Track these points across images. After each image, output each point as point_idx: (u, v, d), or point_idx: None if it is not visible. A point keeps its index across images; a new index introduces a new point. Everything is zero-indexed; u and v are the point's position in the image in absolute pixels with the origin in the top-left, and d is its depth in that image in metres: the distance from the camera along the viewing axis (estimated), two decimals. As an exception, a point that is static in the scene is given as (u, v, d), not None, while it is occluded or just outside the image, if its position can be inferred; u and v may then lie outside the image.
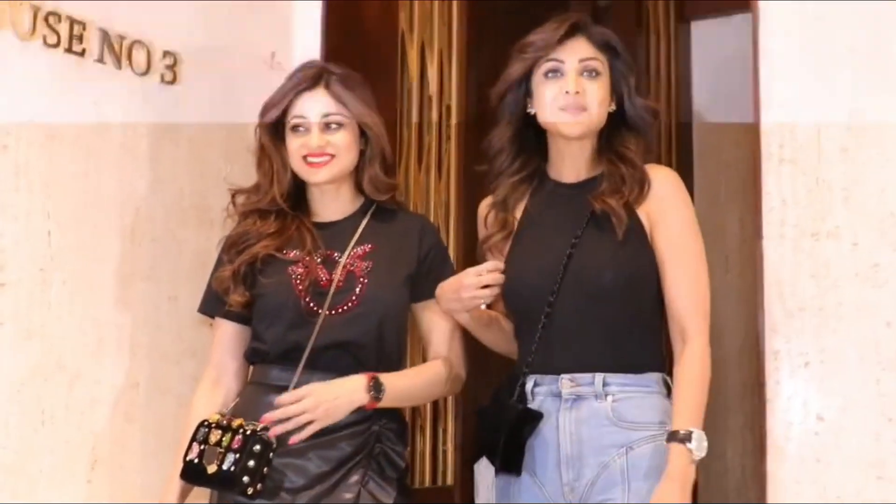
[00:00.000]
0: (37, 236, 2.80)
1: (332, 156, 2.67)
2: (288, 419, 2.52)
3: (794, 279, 2.75)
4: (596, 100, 2.53)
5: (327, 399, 2.53)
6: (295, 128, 2.69)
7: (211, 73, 3.27)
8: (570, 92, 2.50)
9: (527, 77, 2.58)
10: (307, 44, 3.46)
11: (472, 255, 2.93)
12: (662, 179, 2.56)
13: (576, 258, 2.50)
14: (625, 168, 2.55)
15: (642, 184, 2.53)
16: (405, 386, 2.67)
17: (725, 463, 2.58)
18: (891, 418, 2.61)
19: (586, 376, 2.47)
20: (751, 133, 2.88)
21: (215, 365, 2.74)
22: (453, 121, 3.60)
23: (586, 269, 2.49)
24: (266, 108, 2.75)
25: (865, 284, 2.68)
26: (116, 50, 2.99)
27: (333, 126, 2.68)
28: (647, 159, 2.60)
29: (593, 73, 2.53)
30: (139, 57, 3.05)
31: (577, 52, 2.53)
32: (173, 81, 3.15)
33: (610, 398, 2.45)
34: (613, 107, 2.58)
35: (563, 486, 2.47)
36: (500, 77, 2.62)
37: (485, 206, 2.72)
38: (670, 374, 2.52)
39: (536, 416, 2.48)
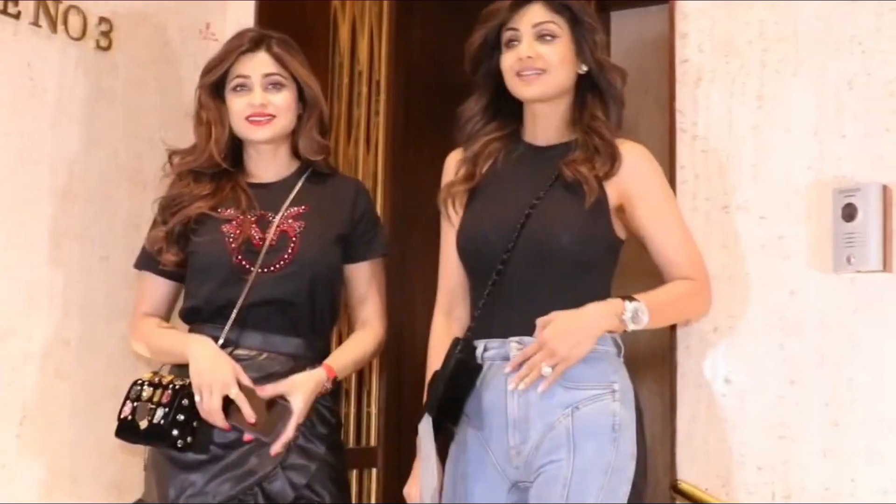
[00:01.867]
0: None
1: (273, 116, 2.68)
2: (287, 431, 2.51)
3: (706, 249, 2.73)
4: (552, 62, 2.50)
5: (301, 397, 2.52)
6: (236, 88, 2.70)
7: (146, 41, 3.25)
8: (522, 57, 2.50)
9: (496, 48, 2.58)
10: (240, 17, 3.44)
11: (399, 225, 2.96)
12: (635, 157, 2.55)
13: (534, 218, 2.47)
14: (598, 140, 2.53)
15: (613, 159, 2.52)
16: (347, 365, 2.68)
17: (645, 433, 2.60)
18: (793, 381, 2.65)
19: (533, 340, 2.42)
20: (666, 112, 2.89)
21: (139, 313, 2.74)
22: (382, 96, 3.61)
23: (544, 230, 2.46)
24: (207, 69, 2.75)
25: (772, 255, 2.71)
26: (52, 14, 2.96)
27: (275, 86, 2.69)
28: (614, 128, 2.59)
29: (548, 38, 2.51)
30: (75, 22, 3.03)
31: (531, 18, 2.52)
32: (108, 48, 3.13)
33: None
34: (584, 68, 2.55)
35: (509, 449, 2.44)
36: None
37: (453, 156, 2.69)
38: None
39: (473, 371, 2.45)
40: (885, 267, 2.58)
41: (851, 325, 2.62)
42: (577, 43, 2.54)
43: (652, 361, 3.04)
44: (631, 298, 2.40)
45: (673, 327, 2.77)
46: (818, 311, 2.65)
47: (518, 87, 2.54)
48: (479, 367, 2.47)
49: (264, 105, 2.67)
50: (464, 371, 2.46)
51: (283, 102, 2.69)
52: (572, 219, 2.47)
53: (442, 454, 2.57)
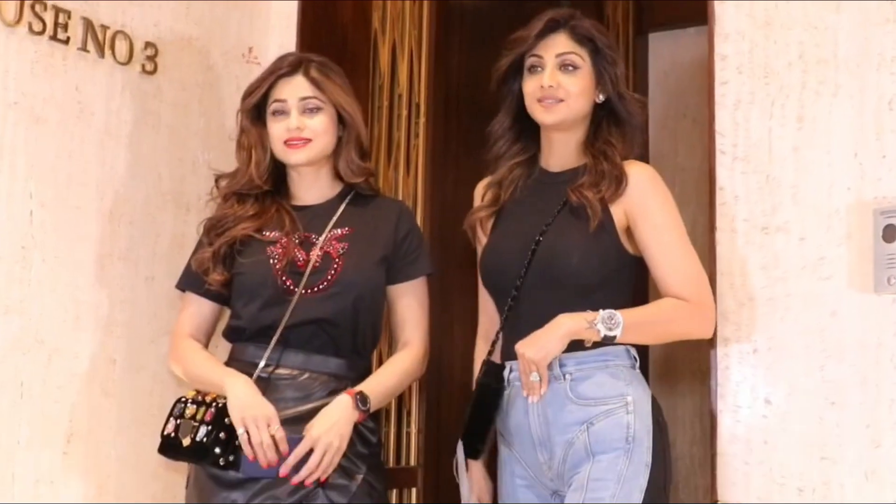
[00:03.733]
0: (19, 216, 2.78)
1: (309, 139, 2.68)
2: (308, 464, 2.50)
3: (745, 271, 2.77)
4: (573, 92, 2.57)
5: (331, 434, 2.50)
6: (275, 112, 2.70)
7: (190, 65, 3.26)
8: (544, 86, 2.55)
9: (520, 71, 2.63)
10: (283, 41, 3.45)
11: (438, 246, 2.95)
12: (639, 176, 2.57)
13: (544, 243, 2.53)
14: (605, 164, 2.57)
15: (619, 181, 2.55)
16: (385, 389, 2.66)
17: (675, 451, 2.59)
18: (833, 402, 2.64)
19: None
20: (705, 134, 2.89)
21: (179, 333, 2.74)
22: (422, 118, 3.62)
23: (552, 254, 2.53)
24: (247, 93, 2.77)
25: (812, 276, 2.70)
26: (100, 39, 2.97)
27: (312, 110, 2.69)
28: (633, 154, 2.62)
29: (570, 68, 2.57)
30: (121, 47, 3.04)
31: (555, 48, 2.57)
32: (153, 72, 3.13)
33: (568, 378, 2.48)
34: (601, 97, 2.60)
35: (540, 464, 2.53)
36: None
37: (482, 184, 2.75)
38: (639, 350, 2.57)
39: (497, 391, 2.54)
40: None
41: (893, 346, 2.60)
42: (598, 73, 2.60)
43: (692, 383, 3.00)
44: (611, 314, 2.42)
45: (712, 348, 2.76)
46: (859, 332, 2.64)
47: (538, 113, 2.59)
48: (500, 390, 2.56)
49: (300, 129, 2.67)
50: (486, 394, 2.57)
51: (319, 126, 2.69)
52: (577, 242, 2.52)
53: (491, 471, 2.68)
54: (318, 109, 2.70)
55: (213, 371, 2.64)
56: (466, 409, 2.57)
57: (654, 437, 2.47)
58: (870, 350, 2.62)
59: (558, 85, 2.55)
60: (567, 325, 2.41)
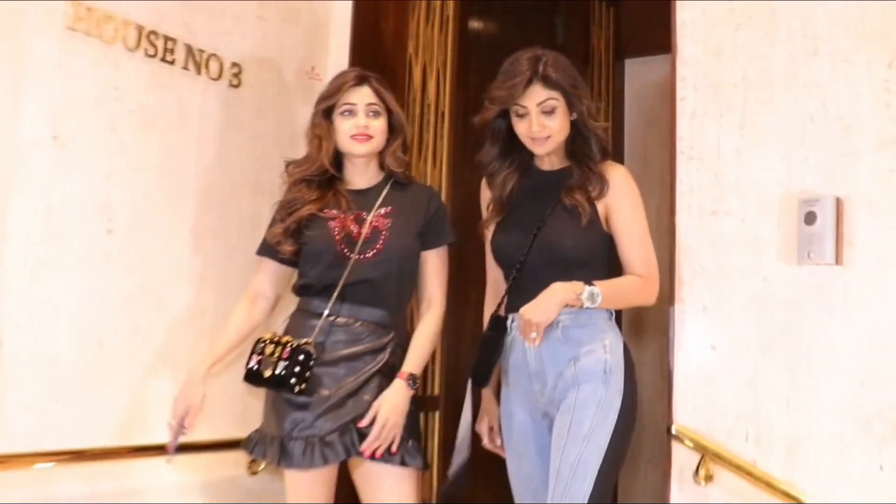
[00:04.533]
0: (135, 198, 2.87)
1: (371, 136, 2.72)
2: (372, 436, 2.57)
3: (698, 245, 2.80)
4: (555, 128, 2.58)
5: (395, 414, 2.59)
6: (344, 112, 2.71)
7: (267, 81, 3.31)
8: (534, 130, 2.57)
9: (503, 113, 2.64)
10: (338, 62, 3.47)
11: (458, 222, 3.01)
12: (617, 178, 2.62)
13: (543, 231, 2.59)
14: (588, 170, 2.62)
15: (602, 184, 2.60)
16: (423, 358, 2.72)
17: (641, 386, 2.66)
18: (763, 349, 2.69)
19: None
20: (668, 139, 2.91)
21: (255, 288, 2.78)
22: (446, 123, 3.65)
23: (551, 240, 2.59)
24: (323, 97, 2.77)
25: (749, 251, 2.74)
26: (197, 60, 3.04)
27: (375, 113, 2.72)
28: (607, 158, 2.66)
29: (550, 111, 2.57)
30: (214, 66, 3.11)
31: (535, 98, 2.56)
32: (238, 86, 3.19)
33: (561, 325, 2.54)
34: (575, 116, 2.60)
35: (535, 392, 2.60)
36: (481, 108, 2.65)
37: (484, 187, 2.79)
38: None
39: (499, 340, 2.61)
40: (837, 261, 2.61)
41: (810, 306, 2.65)
42: (570, 105, 2.59)
43: (655, 334, 3.11)
44: (592, 284, 2.49)
45: (671, 306, 2.82)
46: (784, 295, 2.68)
47: (533, 147, 2.63)
48: (503, 336, 2.63)
49: (367, 127, 2.70)
50: (493, 339, 2.64)
51: (379, 127, 2.72)
52: (571, 232, 2.58)
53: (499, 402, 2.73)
54: (378, 113, 2.72)
55: (213, 343, 2.76)
56: (477, 351, 2.64)
57: (626, 372, 2.54)
58: (792, 309, 2.66)
59: (543, 127, 2.56)
60: (560, 295, 2.46)
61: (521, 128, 2.61)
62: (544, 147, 2.62)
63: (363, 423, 2.57)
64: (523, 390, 2.64)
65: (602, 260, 2.63)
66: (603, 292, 2.49)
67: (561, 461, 2.49)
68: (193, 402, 2.66)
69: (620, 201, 2.61)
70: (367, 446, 2.57)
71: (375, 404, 2.59)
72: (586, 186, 2.61)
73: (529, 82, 2.55)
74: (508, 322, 2.65)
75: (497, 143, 2.70)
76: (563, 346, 2.56)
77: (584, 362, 2.54)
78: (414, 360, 2.68)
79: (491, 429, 2.78)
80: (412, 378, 2.64)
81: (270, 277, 2.81)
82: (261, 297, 2.79)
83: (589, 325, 2.57)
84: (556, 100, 2.57)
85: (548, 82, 2.55)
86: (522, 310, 2.48)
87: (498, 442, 2.76)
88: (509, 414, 2.69)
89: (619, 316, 2.71)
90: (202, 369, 2.68)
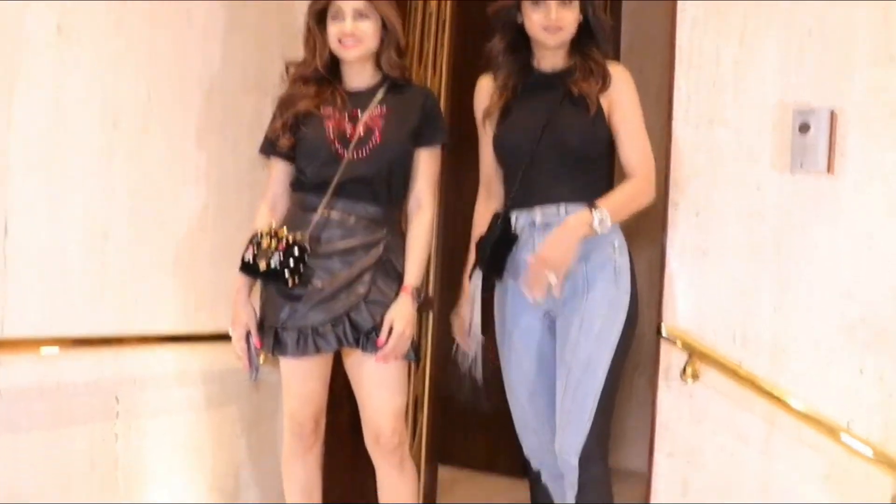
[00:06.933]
0: (140, 94, 2.84)
1: (360, 41, 2.69)
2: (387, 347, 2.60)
3: (693, 152, 2.80)
4: (569, 22, 2.59)
5: (409, 324, 2.62)
6: (334, 17, 2.69)
7: None
8: (550, 19, 2.57)
9: (516, 6, 2.62)
10: None
11: (454, 124, 2.99)
12: (620, 75, 2.62)
13: (552, 124, 2.58)
14: (592, 63, 2.61)
15: (605, 77, 2.60)
16: (422, 266, 2.72)
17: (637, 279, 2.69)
18: (755, 253, 2.70)
19: (553, 206, 2.57)
20: (667, 51, 2.89)
21: (271, 195, 2.77)
22: (446, 33, 3.58)
23: (560, 134, 2.57)
24: (313, 2, 2.75)
25: (743, 159, 2.73)
26: None
27: (362, 17, 2.68)
28: (609, 57, 2.66)
29: (566, 2, 2.57)
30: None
31: None
32: None
33: None
34: (581, 18, 2.61)
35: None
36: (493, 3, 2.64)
37: (484, 82, 2.76)
38: None
39: (512, 238, 2.59)
40: (829, 170, 2.62)
41: (800, 214, 2.66)
42: (583, 4, 2.60)
43: (648, 237, 3.10)
44: (595, 207, 2.48)
45: (665, 211, 2.83)
46: (776, 202, 2.69)
47: (544, 38, 2.61)
48: (516, 237, 2.59)
49: (353, 32, 2.67)
50: (505, 238, 2.61)
51: (368, 30, 2.69)
52: (580, 125, 2.57)
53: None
54: (366, 17, 2.68)
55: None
56: (486, 249, 2.61)
57: (631, 270, 2.58)
58: (783, 216, 2.67)
59: (560, 18, 2.57)
60: (577, 233, 2.46)
61: (535, 16, 2.60)
62: (556, 38, 2.60)
63: (381, 340, 2.60)
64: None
65: (606, 157, 2.63)
66: (609, 211, 2.49)
67: (572, 360, 2.51)
68: (249, 323, 2.69)
69: (621, 95, 2.61)
70: (382, 356, 2.61)
71: (388, 317, 2.62)
72: (591, 80, 2.59)
73: None
74: (513, 219, 2.62)
75: (506, 38, 2.68)
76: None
77: (595, 262, 2.55)
78: (414, 272, 2.70)
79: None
80: (417, 290, 2.67)
81: (282, 177, 2.79)
82: (279, 201, 2.78)
83: None
84: None
85: None
86: (541, 251, 2.47)
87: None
88: (514, 314, 2.68)
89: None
90: (244, 289, 2.70)
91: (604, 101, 2.60)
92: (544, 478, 2.71)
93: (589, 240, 2.51)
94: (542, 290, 2.48)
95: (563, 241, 2.47)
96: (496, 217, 2.64)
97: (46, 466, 2.62)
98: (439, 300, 3.46)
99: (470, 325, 2.70)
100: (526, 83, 2.69)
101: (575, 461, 2.52)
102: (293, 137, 2.72)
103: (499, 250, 2.61)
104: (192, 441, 3.06)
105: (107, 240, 2.77)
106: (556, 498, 2.68)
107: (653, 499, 2.85)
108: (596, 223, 2.48)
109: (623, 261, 2.57)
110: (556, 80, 2.65)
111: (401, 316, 2.63)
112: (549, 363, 2.62)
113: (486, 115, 2.72)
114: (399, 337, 2.61)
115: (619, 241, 2.58)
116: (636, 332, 2.61)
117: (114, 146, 2.78)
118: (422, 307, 3.13)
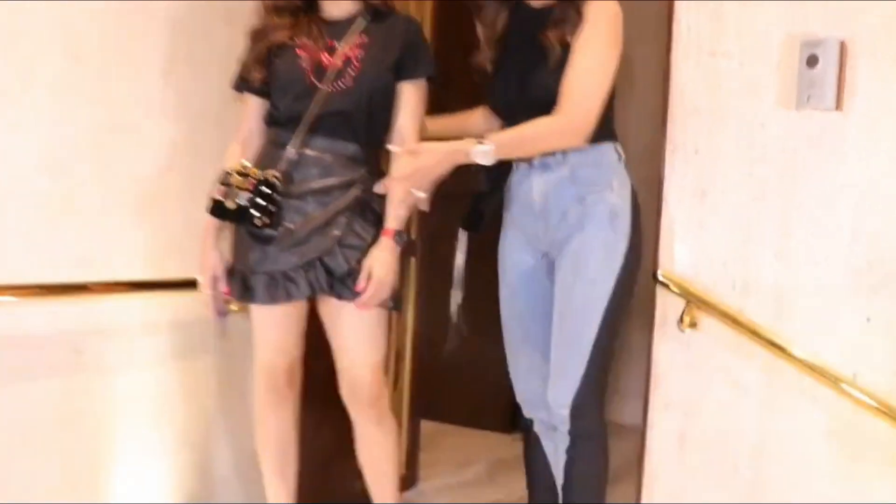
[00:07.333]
0: (103, 26, 2.69)
1: None
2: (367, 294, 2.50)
3: (693, 87, 2.68)
4: None
5: (389, 271, 2.51)
6: None
7: None
8: None
9: None
10: None
11: (441, 56, 2.85)
12: (595, 12, 2.45)
13: (523, 84, 2.49)
14: (570, 7, 2.46)
15: (577, 21, 2.44)
16: (404, 215, 2.60)
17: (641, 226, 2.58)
18: (756, 196, 2.60)
19: None
20: None
21: (244, 132, 2.66)
22: None
23: (525, 84, 2.49)
24: None
25: (747, 95, 2.62)
26: None
27: None
28: None
29: None
30: None
31: None
32: None
33: (570, 164, 2.46)
34: None
35: (537, 230, 2.53)
36: None
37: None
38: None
39: (491, 193, 2.58)
40: (838, 107, 2.49)
41: (807, 152, 2.54)
42: None
43: (648, 177, 2.95)
44: (481, 142, 2.36)
45: (662, 151, 2.71)
46: (781, 141, 2.58)
47: None
48: (493, 192, 2.60)
49: None
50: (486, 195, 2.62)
51: None
52: (540, 75, 2.46)
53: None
54: None
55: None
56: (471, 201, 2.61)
57: (633, 214, 2.48)
58: (789, 155, 2.56)
59: None
60: (452, 155, 2.38)
61: None
62: None
63: (359, 286, 2.49)
64: (528, 229, 2.57)
65: None
66: (498, 144, 2.36)
67: (566, 306, 2.45)
68: (217, 269, 2.61)
69: (585, 32, 2.43)
70: (361, 303, 2.50)
71: (367, 263, 2.50)
72: (563, 25, 2.45)
73: None
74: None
75: None
76: (570, 185, 2.48)
77: (591, 203, 2.46)
78: (391, 217, 2.56)
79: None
80: (398, 234, 2.55)
81: (256, 114, 2.67)
82: (252, 138, 2.67)
83: (600, 166, 2.49)
84: None
85: None
86: (400, 172, 2.43)
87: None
88: (510, 251, 2.64)
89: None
90: (212, 232, 2.61)
91: (577, 42, 2.44)
92: (536, 427, 2.64)
93: (585, 179, 2.45)
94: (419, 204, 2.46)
95: (430, 160, 2.38)
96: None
97: (8, 422, 2.52)
98: (422, 245, 3.33)
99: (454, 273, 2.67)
100: (514, 21, 2.59)
101: (566, 413, 2.45)
102: (266, 71, 2.60)
103: (477, 206, 2.60)
104: (161, 394, 2.94)
105: (67, 180, 2.63)
106: (547, 450, 2.60)
107: (648, 453, 2.77)
108: (475, 154, 2.35)
109: (622, 204, 2.47)
110: (540, 19, 2.51)
111: (381, 262, 2.51)
112: (545, 306, 2.54)
113: (480, 61, 2.64)
114: (378, 284, 2.49)
115: (619, 181, 2.49)
116: (637, 281, 2.52)
117: (74, 79, 2.63)
118: (405, 252, 3.03)
